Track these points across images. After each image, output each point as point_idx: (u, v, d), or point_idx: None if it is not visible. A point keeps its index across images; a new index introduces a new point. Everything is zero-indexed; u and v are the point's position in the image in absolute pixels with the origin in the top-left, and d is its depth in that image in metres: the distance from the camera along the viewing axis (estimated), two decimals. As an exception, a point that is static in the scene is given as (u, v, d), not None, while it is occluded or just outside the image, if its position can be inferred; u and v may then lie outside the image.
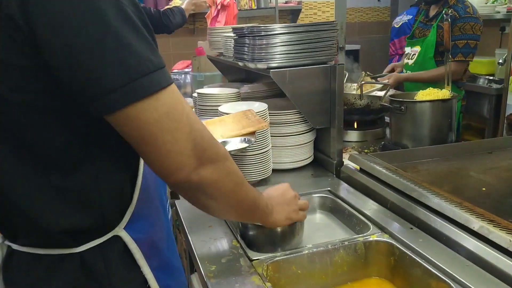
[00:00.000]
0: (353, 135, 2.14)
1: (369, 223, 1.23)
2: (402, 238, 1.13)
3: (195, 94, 1.80)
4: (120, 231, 0.80)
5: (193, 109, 2.17)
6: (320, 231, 1.32)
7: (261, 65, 1.56)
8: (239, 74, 2.48)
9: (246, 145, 1.34)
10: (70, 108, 0.69)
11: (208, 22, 2.99)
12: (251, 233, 1.17)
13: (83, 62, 0.62)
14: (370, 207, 1.33)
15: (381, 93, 2.27)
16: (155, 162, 0.71)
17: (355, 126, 2.19)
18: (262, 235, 1.16)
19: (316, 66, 1.58)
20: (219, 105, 1.59)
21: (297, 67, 1.56)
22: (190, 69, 3.09)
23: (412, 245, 1.10)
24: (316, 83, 1.59)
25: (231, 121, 1.44)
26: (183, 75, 3.11)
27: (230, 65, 2.08)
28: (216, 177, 0.76)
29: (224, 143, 1.33)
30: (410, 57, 2.78)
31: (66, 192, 0.73)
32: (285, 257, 1.10)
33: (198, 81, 2.84)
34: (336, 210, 1.41)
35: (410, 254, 1.08)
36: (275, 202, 1.04)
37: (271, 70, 1.52)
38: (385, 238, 1.16)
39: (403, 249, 1.10)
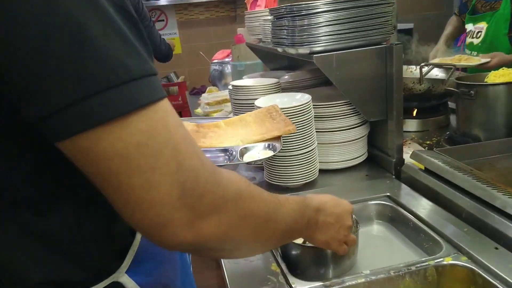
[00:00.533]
0: (412, 125, 1.88)
1: (441, 240, 1.00)
2: (485, 262, 0.89)
3: (230, 87, 1.61)
4: (121, 276, 0.62)
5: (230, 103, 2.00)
6: (378, 249, 1.10)
7: (302, 50, 1.34)
8: (280, 61, 2.27)
9: (271, 153, 1.10)
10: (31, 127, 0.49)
11: (247, 7, 2.79)
12: (294, 252, 0.98)
13: (19, 65, 0.43)
14: (440, 218, 1.08)
15: (444, 75, 2.00)
16: (124, 212, 0.49)
17: (414, 114, 1.93)
18: (308, 255, 0.96)
19: (369, 47, 1.34)
20: (255, 98, 1.39)
21: (346, 50, 1.32)
22: (230, 59, 2.91)
23: (500, 272, 0.85)
24: (369, 67, 1.35)
25: (253, 121, 1.21)
26: (223, 65, 2.94)
27: (270, 52, 1.87)
28: (224, 229, 0.53)
29: (246, 149, 1.11)
30: (474, 35, 2.44)
31: (40, 236, 0.56)
32: (337, 287, 0.89)
33: (238, 71, 2.65)
34: (397, 220, 1.17)
35: (497, 284, 0.84)
36: (324, 220, 0.80)
37: (314, 56, 1.30)
38: (463, 261, 0.92)
39: (488, 277, 0.86)
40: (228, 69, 2.88)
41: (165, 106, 0.49)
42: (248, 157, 1.09)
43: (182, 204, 0.48)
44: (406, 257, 1.04)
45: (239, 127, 1.20)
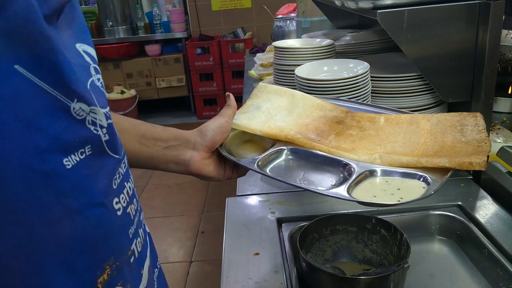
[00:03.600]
0: (505, 104, 1.51)
1: (529, 288, 0.70)
2: None
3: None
4: None
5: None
6: (435, 277, 0.81)
7: (364, 4, 1.03)
8: (350, 19, 1.93)
9: (418, 193, 0.60)
10: None
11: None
12: (314, 278, 0.73)
13: None
14: (531, 250, 0.78)
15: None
16: None
17: (510, 91, 1.54)
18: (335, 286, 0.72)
19: (455, 3, 1.00)
20: (299, 64, 1.11)
21: (423, 5, 0.99)
22: (295, 14, 2.60)
23: None
24: (453, 30, 1.01)
25: (429, 130, 0.72)
26: (287, 22, 2.63)
27: (336, 7, 1.55)
28: None
29: (371, 173, 0.66)
30: None
31: None
32: None
33: (303, 28, 2.34)
34: (467, 241, 0.87)
35: None
36: None
37: (378, 12, 0.99)
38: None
39: None
40: (292, 25, 2.57)
41: None
42: (360, 193, 0.62)
43: None
44: (473, 300, 0.75)
45: (402, 132, 0.74)
